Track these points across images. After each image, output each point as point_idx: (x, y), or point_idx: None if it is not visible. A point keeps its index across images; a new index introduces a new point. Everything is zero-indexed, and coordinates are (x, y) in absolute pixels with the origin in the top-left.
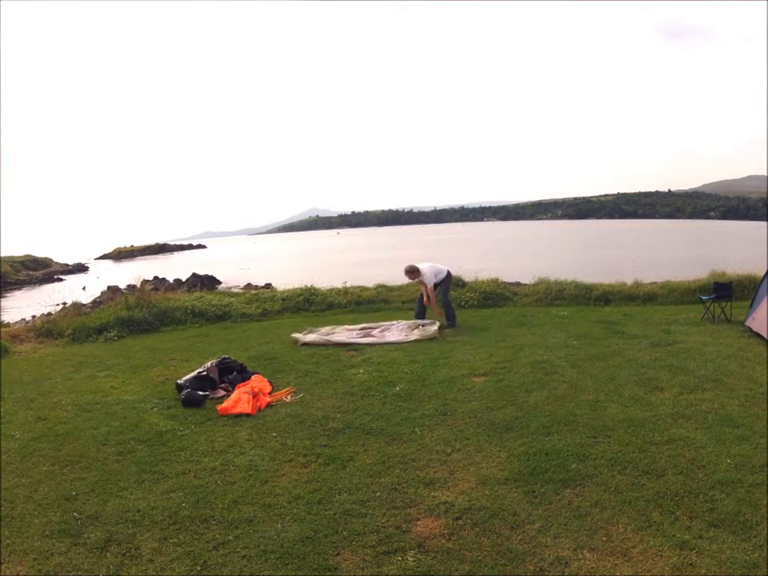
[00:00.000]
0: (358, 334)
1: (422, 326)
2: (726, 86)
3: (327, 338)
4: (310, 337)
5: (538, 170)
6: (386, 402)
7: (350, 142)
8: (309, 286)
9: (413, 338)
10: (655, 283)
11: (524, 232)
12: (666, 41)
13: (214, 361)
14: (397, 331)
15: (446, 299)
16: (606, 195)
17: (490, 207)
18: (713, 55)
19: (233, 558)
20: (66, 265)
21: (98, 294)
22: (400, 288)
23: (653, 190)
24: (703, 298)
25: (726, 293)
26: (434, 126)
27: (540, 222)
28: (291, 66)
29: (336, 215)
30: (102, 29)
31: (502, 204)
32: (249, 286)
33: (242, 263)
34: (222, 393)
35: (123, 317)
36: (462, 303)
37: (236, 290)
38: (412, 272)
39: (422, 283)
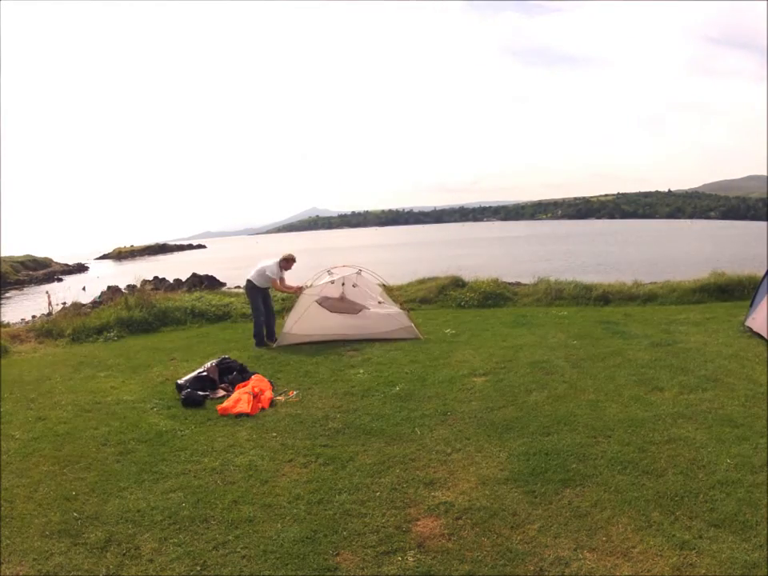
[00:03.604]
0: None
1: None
2: (728, 84)
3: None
4: (295, 330)
5: (539, 169)
6: (386, 402)
7: (350, 141)
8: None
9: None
10: (655, 283)
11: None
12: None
13: (214, 361)
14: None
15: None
16: (606, 195)
17: (490, 207)
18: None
19: (233, 557)
20: (66, 265)
21: (98, 294)
22: (400, 288)
23: (653, 189)
24: None
25: None
26: (434, 126)
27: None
28: (291, 65)
29: (336, 215)
30: (102, 29)
31: (502, 204)
32: None
33: (244, 263)
34: (221, 393)
35: (123, 317)
36: (462, 303)
37: (236, 290)
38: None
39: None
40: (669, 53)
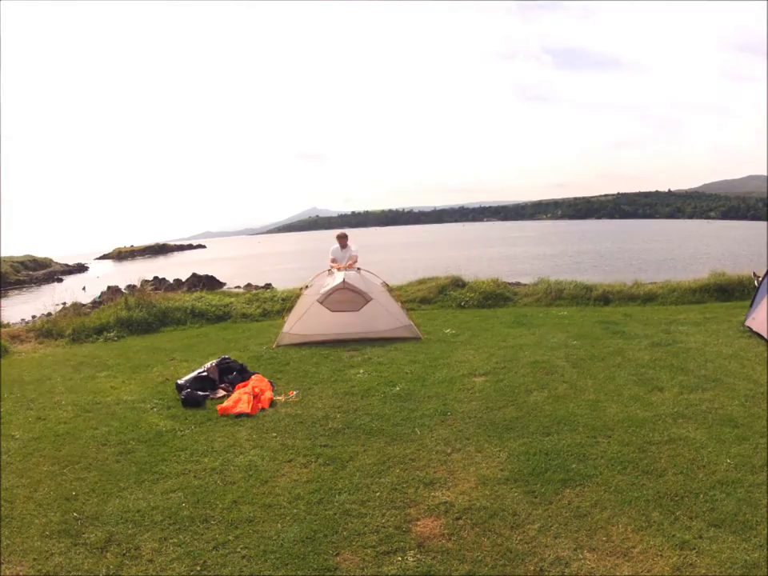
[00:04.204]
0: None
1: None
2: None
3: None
4: (295, 330)
5: (539, 169)
6: (386, 402)
7: (350, 141)
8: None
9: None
10: (655, 283)
11: None
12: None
13: (214, 361)
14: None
15: None
16: (606, 195)
17: (490, 207)
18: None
19: (233, 557)
20: (66, 265)
21: (98, 294)
22: (399, 288)
23: (653, 189)
24: None
25: None
26: (434, 126)
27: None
28: (292, 64)
29: (336, 215)
30: (102, 28)
31: (502, 204)
32: (249, 286)
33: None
34: (221, 393)
35: (123, 317)
36: (462, 303)
37: (236, 290)
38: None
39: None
40: (699, 59)
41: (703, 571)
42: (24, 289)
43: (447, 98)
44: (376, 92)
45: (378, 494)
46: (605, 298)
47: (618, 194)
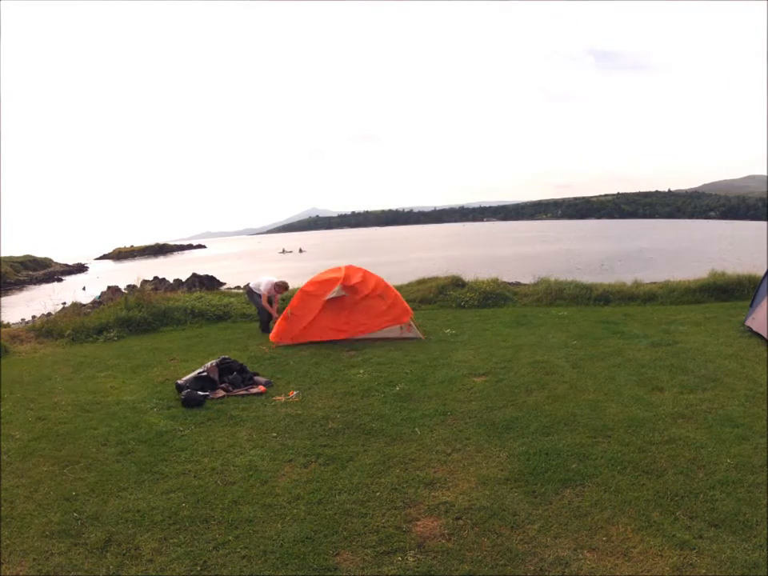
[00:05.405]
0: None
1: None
2: (729, 85)
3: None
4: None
5: (540, 169)
6: (386, 402)
7: (350, 141)
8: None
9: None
10: (655, 283)
11: None
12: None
13: (214, 361)
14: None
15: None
16: (606, 195)
17: (490, 207)
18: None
19: (233, 558)
20: (66, 265)
21: (98, 294)
22: (400, 288)
23: (653, 189)
24: None
25: None
26: (434, 125)
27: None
28: (291, 65)
29: (336, 215)
30: (101, 28)
31: (502, 204)
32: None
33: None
34: (221, 393)
35: (123, 317)
36: (462, 303)
37: (236, 290)
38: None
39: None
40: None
41: (703, 571)
42: (24, 289)
43: (460, 98)
44: (380, 91)
45: (377, 493)
46: (605, 297)
47: (618, 193)
